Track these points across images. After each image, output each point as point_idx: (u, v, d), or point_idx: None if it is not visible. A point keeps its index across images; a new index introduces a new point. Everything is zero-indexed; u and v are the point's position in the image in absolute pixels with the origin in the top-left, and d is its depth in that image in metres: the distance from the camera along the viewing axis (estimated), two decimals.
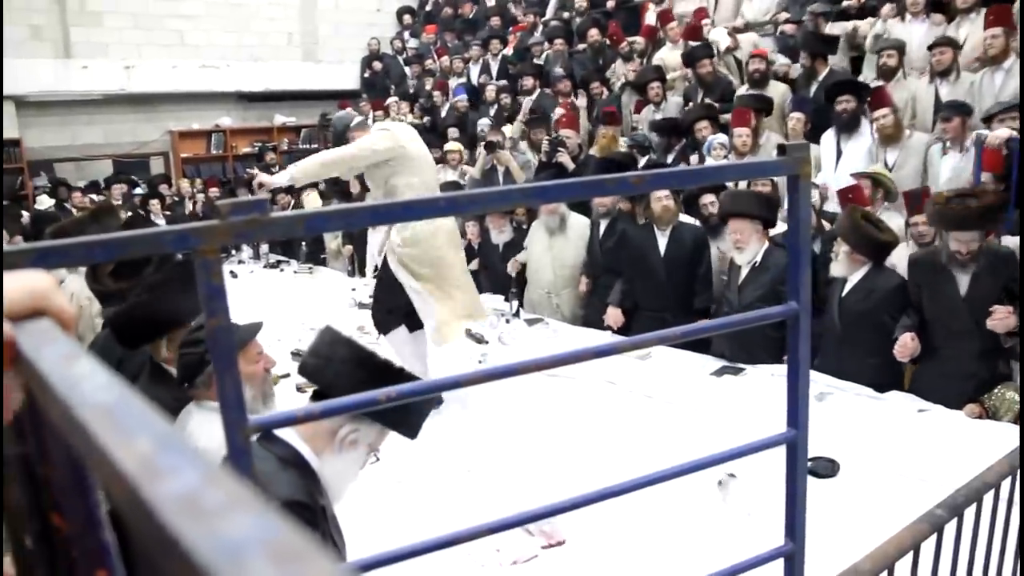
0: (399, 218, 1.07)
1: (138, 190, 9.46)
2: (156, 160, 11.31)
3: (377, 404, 1.02)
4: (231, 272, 7.07)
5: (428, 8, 12.17)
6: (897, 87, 5.78)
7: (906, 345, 3.55)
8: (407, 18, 12.12)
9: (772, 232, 4.22)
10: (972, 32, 5.66)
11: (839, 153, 5.52)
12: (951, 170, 4.95)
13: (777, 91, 6.44)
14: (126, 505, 0.28)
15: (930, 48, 5.61)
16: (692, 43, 7.43)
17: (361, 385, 1.46)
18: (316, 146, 10.92)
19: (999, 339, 3.45)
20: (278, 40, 11.86)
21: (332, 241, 7.52)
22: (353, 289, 6.16)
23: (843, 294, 3.85)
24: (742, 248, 4.07)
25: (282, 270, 7.51)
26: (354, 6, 12.39)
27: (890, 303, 3.76)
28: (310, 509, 1.48)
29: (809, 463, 2.82)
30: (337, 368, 1.56)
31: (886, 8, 6.31)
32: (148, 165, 11.09)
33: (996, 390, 3.40)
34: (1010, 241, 3.87)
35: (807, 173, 1.12)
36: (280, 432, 1.57)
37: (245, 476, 0.87)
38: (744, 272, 4.14)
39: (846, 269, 3.83)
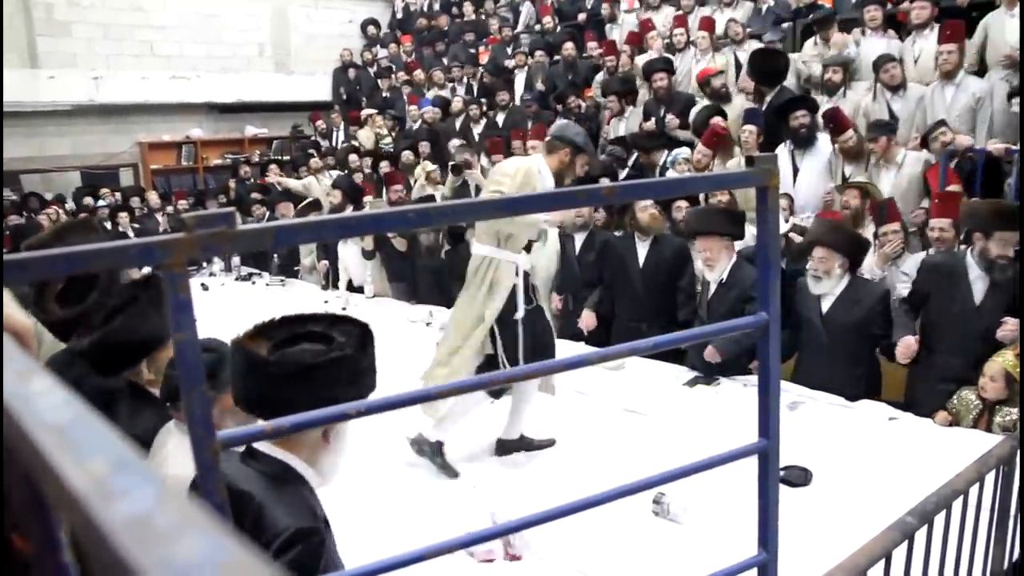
0: (368, 230, 1.07)
1: (102, 202, 9.32)
2: (125, 172, 11.16)
3: (348, 417, 1.01)
4: (202, 285, 6.99)
5: (400, 17, 12.15)
6: (842, 102, 5.98)
7: (910, 346, 3.59)
8: (371, 29, 12.10)
9: (739, 245, 4.25)
10: (925, 47, 5.81)
11: (795, 169, 5.65)
12: (890, 187, 5.09)
13: (736, 105, 6.54)
14: (78, 527, 0.27)
15: (876, 65, 5.76)
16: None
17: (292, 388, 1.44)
18: (287, 157, 10.85)
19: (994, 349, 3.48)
20: (250, 51, 11.79)
21: (307, 256, 7.47)
22: (325, 302, 6.11)
23: (825, 308, 3.86)
24: (712, 265, 4.07)
25: (254, 283, 7.44)
26: (326, 17, 12.35)
27: (877, 313, 3.80)
28: (316, 532, 1.45)
29: (782, 472, 2.84)
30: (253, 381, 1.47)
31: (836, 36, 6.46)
32: (117, 177, 10.93)
33: (957, 395, 3.44)
34: None
35: (776, 184, 1.13)
36: (260, 446, 1.54)
37: (215, 492, 0.86)
38: (712, 289, 4.14)
39: (829, 284, 3.83)
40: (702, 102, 6.74)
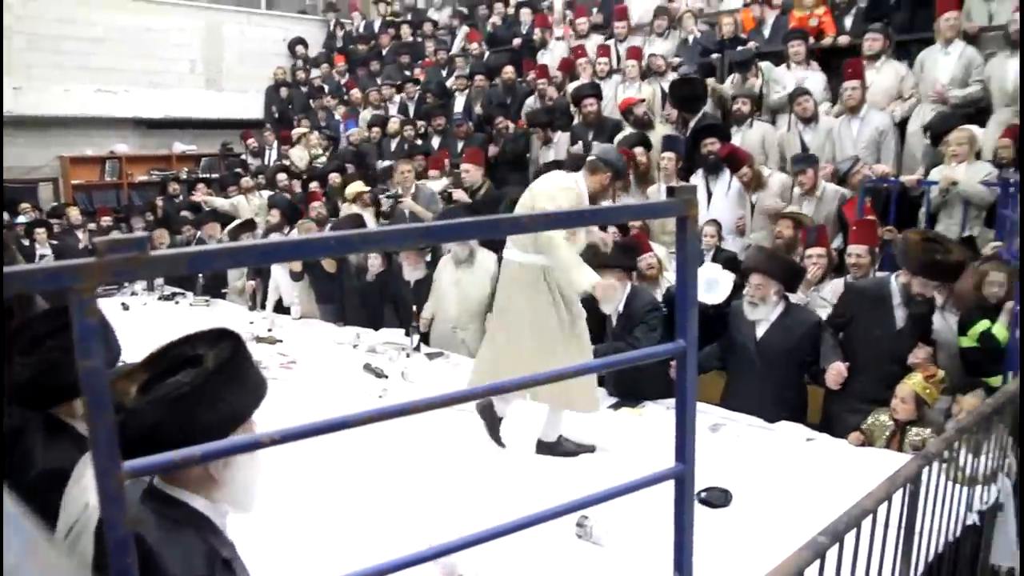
0: (289, 257, 1.05)
1: (21, 218, 8.95)
2: (45, 186, 10.76)
3: (261, 445, 0.99)
4: (122, 304, 6.78)
5: (340, 44, 12.04)
6: (749, 132, 6.32)
7: (840, 372, 3.71)
8: (300, 49, 12.01)
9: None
10: (877, 79, 6.07)
11: (709, 194, 5.86)
12: (812, 215, 5.31)
13: (658, 132, 6.73)
14: None
15: (791, 98, 6.06)
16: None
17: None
18: (216, 175, 10.65)
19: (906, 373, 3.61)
20: (181, 67, 11.53)
21: (237, 280, 7.29)
22: (251, 323, 5.99)
23: (760, 334, 3.95)
24: (610, 299, 4.14)
25: (177, 303, 7.23)
26: (260, 35, 12.20)
27: (809, 340, 3.91)
28: None
29: (703, 493, 2.90)
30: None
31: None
32: (36, 192, 10.54)
33: (871, 417, 3.57)
34: None
35: (694, 214, 1.17)
36: (165, 489, 1.47)
37: (119, 525, 0.83)
38: (615, 320, 4.22)
39: (765, 310, 3.93)
40: (628, 129, 6.90)
